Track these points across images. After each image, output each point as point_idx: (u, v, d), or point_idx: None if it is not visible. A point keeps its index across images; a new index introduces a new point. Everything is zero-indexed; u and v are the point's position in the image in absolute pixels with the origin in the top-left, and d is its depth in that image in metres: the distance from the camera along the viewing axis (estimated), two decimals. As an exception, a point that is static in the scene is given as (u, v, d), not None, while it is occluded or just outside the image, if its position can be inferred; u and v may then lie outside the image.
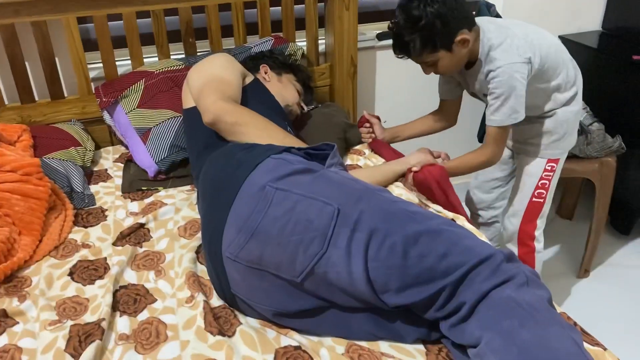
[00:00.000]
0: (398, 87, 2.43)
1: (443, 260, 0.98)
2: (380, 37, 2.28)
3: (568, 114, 1.71)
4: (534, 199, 1.81)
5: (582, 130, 2.09)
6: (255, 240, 1.09)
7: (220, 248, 1.14)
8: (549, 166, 1.77)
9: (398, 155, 1.72)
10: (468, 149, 1.71)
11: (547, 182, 1.79)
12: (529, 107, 1.63)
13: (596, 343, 1.09)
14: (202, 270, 1.34)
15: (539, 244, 1.88)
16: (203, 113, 1.38)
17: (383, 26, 2.35)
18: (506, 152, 1.94)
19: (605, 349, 1.08)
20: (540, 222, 1.86)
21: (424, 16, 1.43)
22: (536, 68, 1.56)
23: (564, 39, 2.50)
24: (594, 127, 2.10)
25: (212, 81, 1.43)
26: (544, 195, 1.81)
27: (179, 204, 1.58)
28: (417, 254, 0.99)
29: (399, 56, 1.56)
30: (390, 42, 2.26)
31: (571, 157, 2.09)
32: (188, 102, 1.54)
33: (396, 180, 1.62)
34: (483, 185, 2.03)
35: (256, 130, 1.36)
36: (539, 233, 1.87)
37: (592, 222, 2.20)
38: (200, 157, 1.43)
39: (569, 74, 1.68)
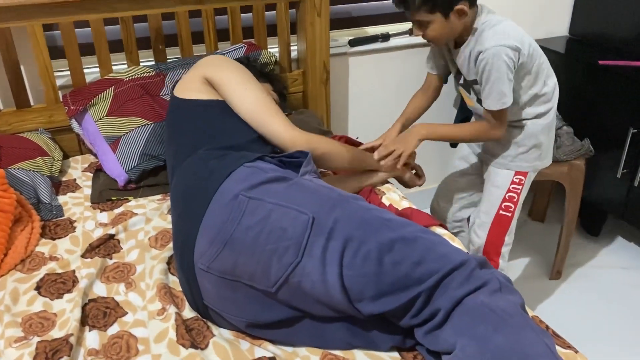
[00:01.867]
0: (370, 92, 2.44)
1: (417, 268, 0.98)
2: (353, 43, 2.29)
3: (537, 127, 1.71)
4: (501, 212, 1.79)
5: (552, 134, 2.12)
6: (228, 250, 1.07)
7: (192, 259, 1.12)
8: (516, 179, 1.76)
9: None
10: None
11: (515, 195, 1.78)
12: None
13: (568, 346, 1.11)
14: (174, 281, 1.32)
15: (503, 261, 1.87)
16: (279, 142, 1.37)
17: (355, 32, 2.36)
18: (472, 160, 1.96)
19: (577, 352, 1.09)
20: (508, 239, 1.84)
21: None
22: (522, 61, 1.56)
23: (533, 45, 2.55)
24: (563, 131, 2.14)
25: (267, 103, 1.39)
26: (511, 210, 1.79)
27: (150, 214, 1.55)
28: (392, 262, 0.99)
29: (396, 5, 1.56)
30: (361, 48, 2.30)
31: (541, 160, 2.13)
32: (191, 93, 1.41)
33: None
34: (447, 195, 2.02)
35: (340, 156, 1.46)
36: (505, 250, 1.85)
37: (563, 224, 2.23)
38: (182, 151, 1.36)
39: (548, 88, 1.69)
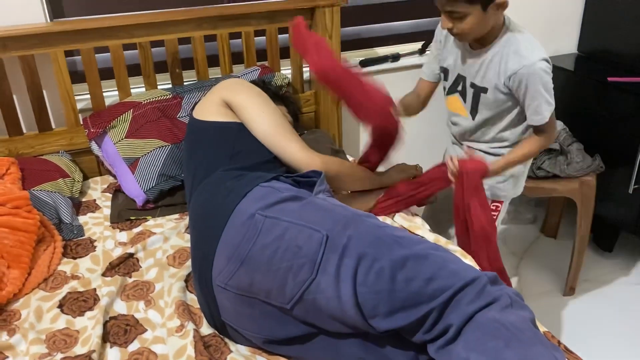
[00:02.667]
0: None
1: (430, 284, 1.00)
2: (363, 63, 2.33)
3: None
4: None
5: (562, 151, 2.14)
6: (245, 268, 1.10)
7: (211, 276, 1.16)
8: (493, 206, 1.75)
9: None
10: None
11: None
12: (489, 124, 1.62)
13: (580, 361, 1.12)
14: (192, 298, 1.35)
15: None
16: (295, 164, 1.41)
17: (366, 53, 2.40)
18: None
19: (589, 367, 1.10)
20: None
21: None
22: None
23: (542, 62, 2.58)
24: (573, 147, 2.15)
25: (282, 125, 1.44)
26: None
27: (168, 233, 1.59)
28: (405, 278, 1.01)
29: None
30: (372, 68, 2.34)
31: (552, 176, 2.14)
32: (210, 115, 1.46)
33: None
34: (435, 215, 2.00)
35: (352, 177, 1.51)
36: None
37: (575, 240, 2.24)
38: (203, 170, 1.38)
39: None
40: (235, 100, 1.43)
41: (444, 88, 1.75)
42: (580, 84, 2.40)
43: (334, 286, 1.05)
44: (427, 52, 2.41)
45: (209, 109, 1.43)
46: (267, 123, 1.41)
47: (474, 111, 1.65)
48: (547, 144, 1.62)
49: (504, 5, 1.45)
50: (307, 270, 1.07)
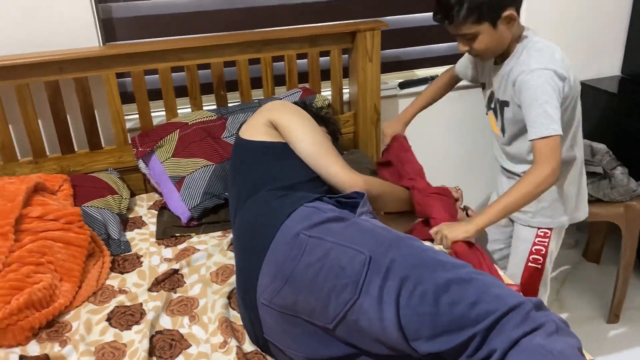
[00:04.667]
0: (419, 133, 2.47)
1: (474, 308, 1.00)
2: (402, 86, 2.36)
3: (561, 178, 1.57)
4: (530, 264, 1.72)
5: (606, 174, 2.10)
6: (289, 286, 1.13)
7: (255, 294, 1.18)
8: (541, 232, 1.67)
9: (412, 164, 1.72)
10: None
11: (542, 248, 1.69)
12: (518, 142, 1.58)
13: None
14: (234, 315, 1.38)
15: None
16: (338, 184, 1.43)
17: (404, 75, 2.43)
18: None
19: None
20: (543, 290, 1.77)
21: None
22: (565, 94, 1.44)
23: (584, 84, 2.55)
24: (618, 171, 2.11)
25: (326, 146, 1.47)
26: (541, 262, 1.70)
27: (211, 250, 1.63)
28: (448, 302, 1.02)
29: (439, 21, 1.45)
30: (411, 90, 2.36)
31: (595, 201, 2.10)
32: (256, 135, 1.48)
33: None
34: (483, 246, 1.93)
35: (394, 198, 1.54)
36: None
37: (619, 266, 2.18)
38: (247, 189, 1.41)
39: (577, 131, 1.57)
40: (280, 121, 1.47)
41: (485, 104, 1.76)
42: (624, 107, 2.36)
43: (377, 308, 1.06)
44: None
45: (255, 129, 1.48)
46: (311, 144, 1.44)
47: (503, 128, 1.63)
48: (545, 180, 1.38)
49: (512, 18, 1.43)
50: (350, 291, 1.08)
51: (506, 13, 1.42)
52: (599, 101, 2.47)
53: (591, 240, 2.63)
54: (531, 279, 1.74)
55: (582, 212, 1.73)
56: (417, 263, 1.08)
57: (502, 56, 1.56)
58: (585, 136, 2.41)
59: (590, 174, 2.13)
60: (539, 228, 1.68)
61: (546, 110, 1.39)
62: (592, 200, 2.11)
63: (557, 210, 1.67)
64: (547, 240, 1.69)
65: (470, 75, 1.80)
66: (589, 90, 2.54)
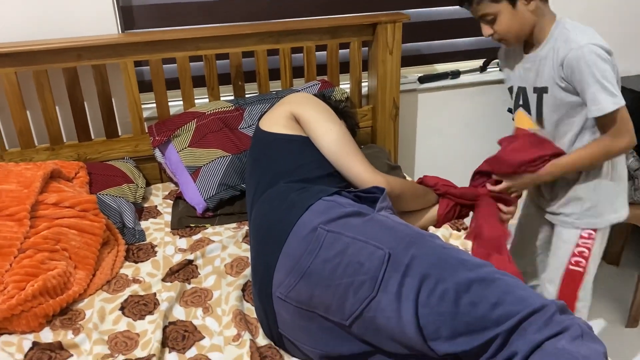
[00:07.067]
0: (439, 129, 2.45)
1: (495, 309, 0.98)
2: (422, 80, 2.32)
3: (604, 175, 1.55)
4: (570, 267, 1.65)
5: (630, 176, 2.05)
6: (305, 281, 1.11)
7: (271, 287, 1.17)
8: (586, 233, 1.62)
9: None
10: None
11: (585, 250, 1.63)
12: (561, 129, 1.54)
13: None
14: (248, 308, 1.36)
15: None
16: (359, 182, 1.41)
17: (425, 69, 2.39)
18: (542, 220, 1.77)
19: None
20: (583, 294, 1.67)
21: None
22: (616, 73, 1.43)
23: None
24: (641, 172, 2.07)
25: (348, 143, 1.45)
26: (583, 265, 1.64)
27: (226, 242, 1.62)
28: (469, 302, 0.99)
29: (461, 4, 1.48)
30: (431, 85, 2.33)
31: (618, 202, 2.05)
32: (277, 127, 1.47)
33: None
34: (519, 252, 1.88)
35: (415, 197, 1.50)
36: (581, 305, 1.68)
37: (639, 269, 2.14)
38: (267, 180, 1.40)
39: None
40: (303, 115, 1.44)
41: (510, 111, 1.72)
42: (650, 107, 2.30)
43: (395, 306, 1.04)
44: (488, 70, 2.37)
45: (276, 121, 1.46)
46: (334, 140, 1.42)
47: (540, 118, 1.58)
48: (616, 147, 1.45)
49: (530, 1, 1.44)
50: (368, 288, 1.06)
51: None
52: (624, 99, 2.41)
53: (611, 242, 2.57)
54: (572, 283, 1.67)
55: (626, 210, 1.66)
56: (438, 261, 1.05)
57: (532, 43, 1.54)
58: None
59: (613, 175, 2.08)
60: (583, 229, 1.63)
61: (604, 85, 1.39)
62: (615, 202, 2.06)
63: (605, 208, 1.61)
64: (591, 241, 1.63)
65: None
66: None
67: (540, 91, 1.55)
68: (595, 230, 1.62)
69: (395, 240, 1.10)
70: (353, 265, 1.08)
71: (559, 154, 1.55)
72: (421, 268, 1.04)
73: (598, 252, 1.66)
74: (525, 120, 1.65)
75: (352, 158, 1.42)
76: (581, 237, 1.62)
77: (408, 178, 1.93)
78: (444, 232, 1.62)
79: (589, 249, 1.63)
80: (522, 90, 1.62)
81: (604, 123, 1.45)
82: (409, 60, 2.35)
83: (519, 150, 1.56)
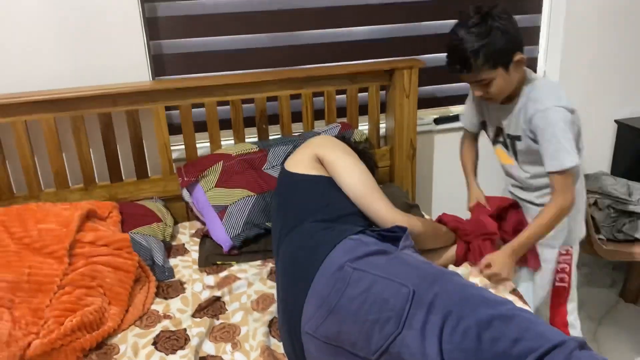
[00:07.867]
0: (455, 169, 2.50)
1: (516, 345, 1.02)
2: (438, 121, 2.40)
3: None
4: (557, 284, 1.78)
5: (643, 214, 2.10)
6: (333, 317, 1.16)
7: (300, 323, 1.22)
8: (563, 250, 1.76)
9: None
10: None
11: (566, 265, 1.77)
12: (533, 170, 1.66)
13: None
14: (275, 344, 1.41)
15: (574, 330, 1.82)
16: (381, 222, 1.48)
17: (440, 111, 2.47)
18: None
19: None
20: (571, 307, 1.81)
21: (492, 29, 1.46)
22: (576, 125, 1.56)
23: (619, 123, 2.56)
24: (656, 211, 2.11)
25: (370, 185, 1.53)
26: (566, 280, 1.78)
27: (252, 279, 1.68)
28: (491, 338, 1.04)
29: (456, 71, 1.54)
30: (446, 126, 2.40)
31: (633, 240, 2.09)
32: (302, 168, 1.55)
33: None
34: None
35: (434, 237, 1.58)
36: (572, 317, 1.82)
37: (658, 307, 2.15)
38: (290, 220, 1.46)
39: (581, 158, 1.61)
40: (327, 156, 1.53)
41: (490, 139, 1.83)
42: (661, 146, 2.36)
43: (419, 342, 1.08)
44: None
45: (301, 163, 1.54)
46: (356, 181, 1.50)
47: (516, 157, 1.71)
48: (567, 202, 1.55)
49: (522, 61, 1.54)
50: (393, 324, 1.11)
51: (517, 57, 1.52)
52: (634, 140, 2.47)
53: (628, 280, 2.59)
54: (560, 298, 1.80)
55: (584, 229, 1.82)
56: (460, 298, 1.11)
57: (508, 97, 1.64)
58: (621, 175, 2.42)
59: (627, 214, 2.12)
60: (561, 246, 1.75)
61: (563, 145, 1.51)
62: (630, 240, 2.10)
63: (574, 227, 1.75)
64: (569, 257, 1.77)
65: (477, 125, 1.86)
66: (624, 129, 2.55)
67: (514, 138, 1.68)
68: (571, 246, 1.77)
69: (419, 278, 1.15)
70: (379, 302, 1.13)
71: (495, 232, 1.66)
72: (444, 305, 1.09)
73: (575, 264, 1.80)
74: (504, 156, 1.79)
75: (375, 197, 1.49)
76: (560, 254, 1.76)
77: (426, 216, 1.98)
78: (464, 271, 1.67)
79: (569, 264, 1.77)
80: (500, 131, 1.74)
81: (557, 180, 1.54)
82: (425, 102, 2.44)
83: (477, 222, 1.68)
